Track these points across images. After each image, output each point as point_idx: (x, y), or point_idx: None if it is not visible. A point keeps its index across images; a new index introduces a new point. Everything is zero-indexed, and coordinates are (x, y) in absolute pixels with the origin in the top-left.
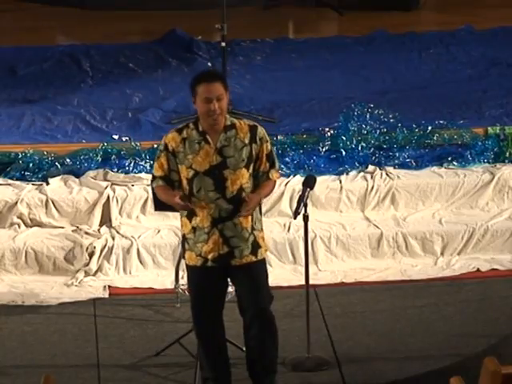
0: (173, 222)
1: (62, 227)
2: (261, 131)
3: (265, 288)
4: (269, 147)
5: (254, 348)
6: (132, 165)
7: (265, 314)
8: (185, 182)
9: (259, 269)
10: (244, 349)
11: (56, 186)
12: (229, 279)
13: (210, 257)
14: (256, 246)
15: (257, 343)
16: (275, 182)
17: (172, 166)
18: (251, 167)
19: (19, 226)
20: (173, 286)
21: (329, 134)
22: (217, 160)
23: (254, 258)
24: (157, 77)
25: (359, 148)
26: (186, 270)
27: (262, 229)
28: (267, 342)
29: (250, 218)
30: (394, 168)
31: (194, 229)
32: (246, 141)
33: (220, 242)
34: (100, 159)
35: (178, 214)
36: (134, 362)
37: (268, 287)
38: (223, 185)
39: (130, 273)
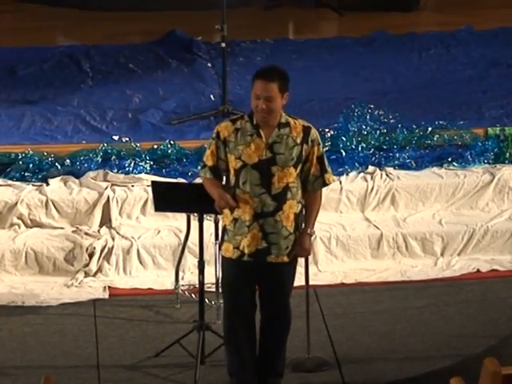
0: (173, 222)
1: (62, 228)
2: (314, 133)
3: (289, 290)
4: (320, 150)
5: (267, 347)
6: (132, 165)
7: (285, 314)
8: (232, 173)
9: (290, 270)
10: None
11: (56, 186)
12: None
13: (247, 251)
14: (293, 247)
15: (271, 343)
16: (320, 195)
17: (220, 154)
18: (299, 167)
19: (19, 227)
20: (173, 287)
21: (329, 134)
22: (266, 155)
23: (286, 258)
24: (157, 77)
25: (359, 148)
26: (221, 262)
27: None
28: (280, 342)
29: (291, 217)
30: (394, 169)
31: (235, 220)
32: (298, 140)
33: (259, 237)
34: (100, 160)
35: (177, 215)
36: (133, 363)
37: (292, 289)
38: (269, 180)
39: (130, 273)
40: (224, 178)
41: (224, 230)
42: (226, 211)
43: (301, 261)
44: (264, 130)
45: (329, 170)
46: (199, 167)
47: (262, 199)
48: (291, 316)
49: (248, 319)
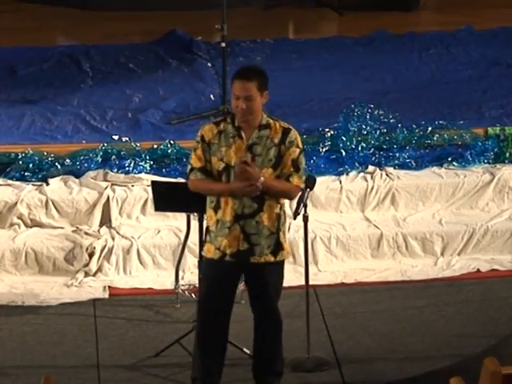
0: (173, 222)
1: (62, 228)
2: (293, 135)
3: (277, 290)
4: (297, 153)
5: (260, 347)
6: (132, 165)
7: (273, 315)
8: (216, 174)
9: (276, 270)
10: (244, 349)
11: (56, 186)
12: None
13: (228, 252)
14: (278, 247)
15: (262, 343)
16: (296, 188)
17: (207, 157)
18: (279, 168)
19: (19, 227)
20: (173, 287)
21: (329, 134)
22: (246, 156)
23: (272, 259)
24: (157, 77)
25: (359, 148)
26: (201, 263)
27: (286, 231)
28: (273, 342)
29: (273, 217)
30: (394, 168)
31: (217, 221)
32: (276, 141)
33: (241, 238)
34: (100, 159)
35: (177, 215)
36: (133, 363)
37: (280, 289)
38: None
39: (130, 273)
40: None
41: (207, 230)
42: (211, 213)
43: (300, 261)
44: (245, 132)
45: (299, 173)
46: (187, 172)
47: (242, 200)
48: (280, 316)
49: (221, 320)
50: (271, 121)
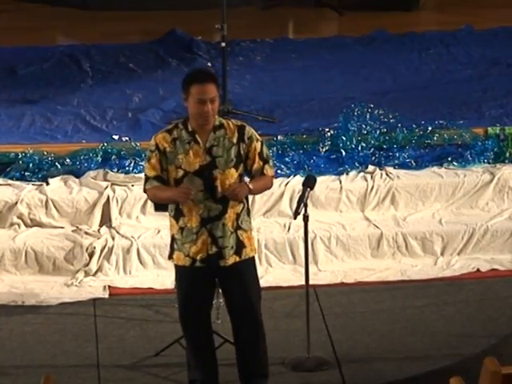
0: None
1: (62, 227)
2: (249, 130)
3: (252, 289)
4: (259, 145)
5: (243, 348)
6: (132, 165)
7: (253, 314)
8: (172, 183)
9: (245, 269)
10: None
11: (56, 186)
12: (217, 280)
13: (198, 257)
14: (240, 246)
15: (245, 344)
16: (271, 178)
17: (164, 166)
18: (240, 167)
19: (19, 226)
20: (173, 286)
21: (329, 134)
22: (206, 160)
23: (237, 259)
24: (157, 77)
25: (359, 148)
26: (175, 270)
27: (249, 229)
28: (256, 342)
29: (233, 217)
30: (394, 168)
31: (181, 229)
32: (234, 140)
33: (209, 242)
34: (100, 159)
35: None
36: (133, 362)
37: (256, 287)
38: (213, 185)
39: (130, 273)
40: None
41: (172, 239)
42: (173, 221)
43: (300, 261)
44: (200, 135)
45: (270, 163)
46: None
47: (206, 205)
48: (261, 316)
49: (202, 323)
50: (223, 120)
